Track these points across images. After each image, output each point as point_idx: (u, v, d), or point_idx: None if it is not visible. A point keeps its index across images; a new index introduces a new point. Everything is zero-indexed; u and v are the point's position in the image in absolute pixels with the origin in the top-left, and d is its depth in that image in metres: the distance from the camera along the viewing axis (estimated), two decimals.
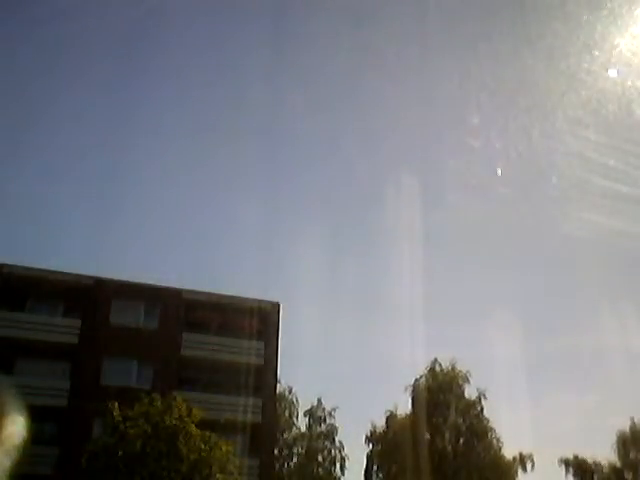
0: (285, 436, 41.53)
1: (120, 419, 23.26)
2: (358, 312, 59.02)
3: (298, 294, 44.71)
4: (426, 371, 41.06)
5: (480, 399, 40.79)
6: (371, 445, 41.93)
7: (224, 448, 24.03)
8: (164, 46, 47.78)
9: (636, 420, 42.07)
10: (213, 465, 23.51)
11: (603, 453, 42.36)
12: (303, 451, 42.05)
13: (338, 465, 42.08)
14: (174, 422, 23.34)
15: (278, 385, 36.10)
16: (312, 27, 40.87)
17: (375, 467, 41.58)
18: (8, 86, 37.22)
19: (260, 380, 33.42)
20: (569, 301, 50.07)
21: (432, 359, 41.19)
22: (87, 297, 31.33)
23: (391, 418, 41.79)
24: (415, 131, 38.13)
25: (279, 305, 35.00)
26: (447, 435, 39.37)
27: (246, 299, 33.62)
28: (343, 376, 53.58)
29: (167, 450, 22.97)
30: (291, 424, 42.30)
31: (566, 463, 42.51)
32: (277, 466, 38.62)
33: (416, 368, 41.28)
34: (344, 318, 56.62)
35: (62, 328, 30.55)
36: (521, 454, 40.77)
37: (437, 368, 41.18)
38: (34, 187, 47.20)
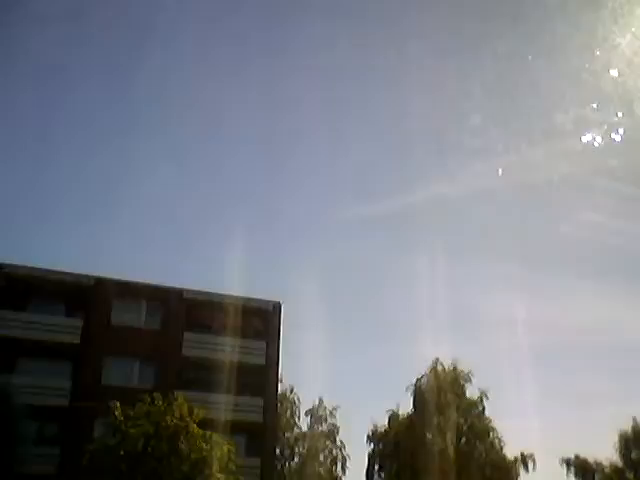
0: (287, 435, 41.51)
1: (121, 419, 23.27)
2: (359, 312, 59.11)
3: (299, 294, 44.71)
4: (428, 371, 41.06)
5: (482, 399, 40.80)
6: (373, 444, 41.96)
7: (225, 448, 24.04)
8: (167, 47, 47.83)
9: (638, 420, 42.07)
10: (214, 465, 23.51)
11: (605, 453, 42.45)
12: (304, 451, 42.03)
13: (339, 464, 42.11)
14: (175, 422, 23.36)
15: (279, 385, 36.07)
16: (311, 27, 40.90)
17: (377, 466, 41.57)
18: (7, 86, 37.25)
19: (261, 380, 33.42)
20: (569, 300, 50.02)
21: (434, 359, 41.22)
22: (88, 297, 31.34)
23: (393, 418, 41.77)
24: (415, 130, 38.09)
25: (280, 305, 35.01)
26: (449, 435, 39.30)
27: (247, 299, 33.60)
28: (345, 376, 53.72)
29: (168, 450, 23.00)
30: (292, 424, 42.27)
31: (567, 463, 42.54)
32: (278, 466, 38.61)
33: (418, 368, 41.39)
34: (345, 318, 56.76)
35: (63, 328, 30.54)
36: (522, 454, 40.75)
37: (439, 368, 41.16)
38: (34, 187, 47.32)
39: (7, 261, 30.01)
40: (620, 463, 42.13)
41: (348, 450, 42.46)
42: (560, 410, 46.49)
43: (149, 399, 23.86)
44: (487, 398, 40.69)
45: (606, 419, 44.30)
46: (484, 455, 40.05)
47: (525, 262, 51.58)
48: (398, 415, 41.68)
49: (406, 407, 41.30)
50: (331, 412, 42.41)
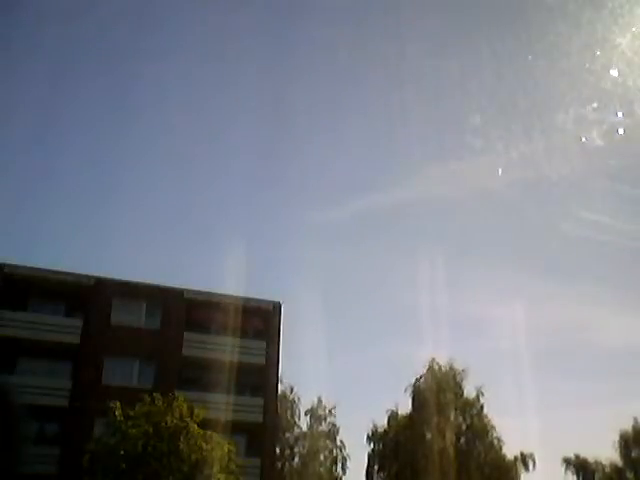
0: (287, 435, 41.47)
1: (122, 419, 23.27)
2: (359, 311, 59.11)
3: (299, 294, 44.76)
4: (425, 370, 41.06)
5: (478, 397, 40.79)
6: (372, 444, 41.95)
7: (225, 448, 24.04)
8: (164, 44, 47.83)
9: (639, 420, 42.08)
10: (214, 465, 23.51)
11: (605, 453, 42.46)
12: (304, 451, 41.98)
13: (339, 464, 42.06)
14: (175, 422, 23.35)
15: (279, 385, 36.04)
16: (312, 27, 40.90)
17: (376, 466, 41.56)
18: (8, 86, 37.26)
19: (261, 380, 33.41)
20: (569, 299, 50.09)
21: (430, 358, 41.22)
22: (88, 297, 31.31)
23: (392, 417, 41.77)
24: (416, 130, 38.12)
25: (280, 305, 35.00)
26: (448, 434, 39.32)
27: (247, 299, 33.58)
28: (344, 375, 53.75)
29: (168, 450, 22.98)
30: (292, 424, 42.22)
31: (567, 462, 42.55)
32: (279, 466, 38.60)
33: (417, 368, 41.38)
34: (344, 318, 56.76)
35: (64, 328, 30.53)
36: (522, 453, 40.77)
37: (435, 367, 41.15)
38: (35, 187, 47.32)
39: (7, 261, 30.01)
40: (620, 463, 42.15)
41: (348, 450, 42.46)
42: (560, 410, 46.54)
43: (149, 399, 23.87)
44: (483, 395, 40.71)
45: (606, 419, 44.37)
46: (483, 454, 40.04)
47: (524, 262, 51.67)
48: (397, 415, 41.68)
49: (405, 407, 41.38)
50: (330, 411, 42.35)
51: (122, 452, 22.71)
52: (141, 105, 49.88)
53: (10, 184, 41.50)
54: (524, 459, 40.76)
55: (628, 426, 42.01)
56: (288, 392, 41.45)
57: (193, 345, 32.29)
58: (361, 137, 53.54)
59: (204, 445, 23.33)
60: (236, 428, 29.34)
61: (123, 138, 48.00)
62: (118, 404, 23.53)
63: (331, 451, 42.10)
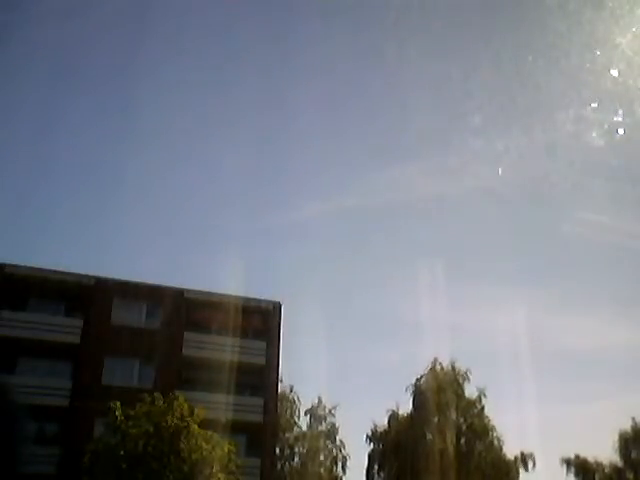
0: (287, 435, 41.46)
1: (122, 419, 23.29)
2: (360, 311, 59.12)
3: (299, 294, 44.79)
4: (427, 371, 41.07)
5: (480, 398, 40.82)
6: (373, 444, 41.97)
7: (226, 448, 24.07)
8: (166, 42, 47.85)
9: (638, 420, 42.05)
10: (215, 465, 23.54)
11: (605, 453, 42.44)
12: (304, 450, 41.97)
13: (339, 464, 42.05)
14: (176, 422, 23.37)
15: (279, 385, 36.04)
16: (314, 28, 40.95)
17: (377, 466, 41.57)
18: (8, 85, 37.27)
19: (262, 380, 33.43)
20: (570, 300, 50.10)
21: (432, 359, 41.23)
22: (89, 297, 31.34)
23: (393, 417, 41.79)
24: (415, 130, 38.13)
25: (280, 305, 35.01)
26: (448, 434, 39.32)
27: (248, 299, 33.61)
28: (345, 375, 53.75)
29: (169, 450, 23.01)
30: (292, 423, 42.22)
31: (567, 463, 42.52)
32: (279, 466, 38.60)
33: (417, 368, 41.40)
34: (346, 318, 56.79)
35: (64, 328, 30.55)
36: (522, 453, 40.76)
37: (438, 367, 41.18)
38: (35, 187, 47.34)
39: (7, 261, 30.03)
40: (620, 463, 42.12)
41: (348, 450, 42.44)
42: (560, 410, 46.52)
43: (149, 399, 23.88)
44: (485, 397, 40.75)
45: (606, 419, 44.34)
46: (484, 454, 40.05)
47: (524, 262, 51.67)
48: (398, 415, 41.69)
49: (406, 407, 41.38)
50: (330, 411, 42.37)
51: (122, 452, 22.73)
52: (140, 105, 49.83)
53: (10, 184, 41.53)
54: (524, 459, 40.77)
55: (628, 426, 42.04)
56: (288, 392, 41.44)
57: (193, 345, 32.30)
58: (360, 136, 53.59)
59: (204, 445, 23.36)
60: (236, 428, 29.34)
61: (123, 138, 48.08)
62: (118, 404, 23.54)
63: (331, 451, 42.10)
